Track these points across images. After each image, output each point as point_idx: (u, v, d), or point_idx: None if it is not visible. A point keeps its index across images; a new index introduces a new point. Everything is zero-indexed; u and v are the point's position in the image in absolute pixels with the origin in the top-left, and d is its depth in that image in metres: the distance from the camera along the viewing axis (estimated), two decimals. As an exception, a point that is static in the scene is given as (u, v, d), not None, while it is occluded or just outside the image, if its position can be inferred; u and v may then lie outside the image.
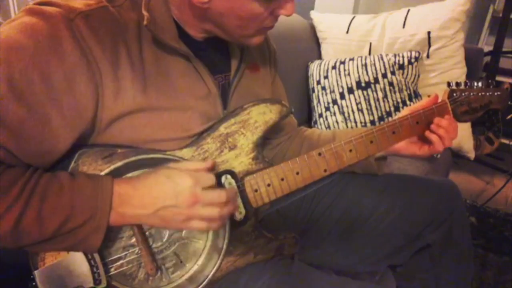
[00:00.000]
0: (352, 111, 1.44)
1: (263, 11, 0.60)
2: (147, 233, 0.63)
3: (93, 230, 0.54)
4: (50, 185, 0.53)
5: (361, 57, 1.48)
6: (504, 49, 2.18)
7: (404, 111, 0.82)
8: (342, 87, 1.46)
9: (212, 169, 0.63)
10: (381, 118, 1.42)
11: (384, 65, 1.43)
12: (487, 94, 0.85)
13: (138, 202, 0.55)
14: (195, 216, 0.56)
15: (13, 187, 0.50)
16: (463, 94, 0.83)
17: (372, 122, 1.42)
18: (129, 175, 0.61)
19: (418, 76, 1.48)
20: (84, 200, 0.53)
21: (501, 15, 2.15)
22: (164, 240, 0.65)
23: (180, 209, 0.55)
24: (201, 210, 0.56)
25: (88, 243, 0.55)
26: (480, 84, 0.84)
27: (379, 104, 1.42)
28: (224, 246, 0.67)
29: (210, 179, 0.58)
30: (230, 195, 0.59)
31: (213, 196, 0.57)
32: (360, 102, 1.43)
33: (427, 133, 0.79)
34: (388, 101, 1.42)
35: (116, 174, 0.60)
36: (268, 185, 0.70)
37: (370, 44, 1.61)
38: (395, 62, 1.44)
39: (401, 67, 1.44)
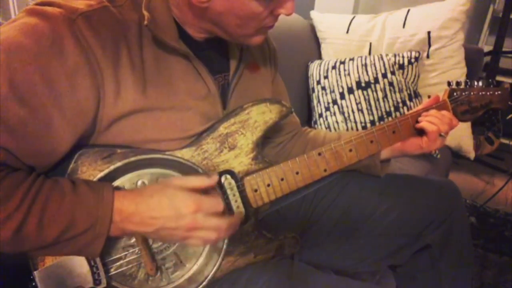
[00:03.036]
0: (352, 111, 1.44)
1: (263, 10, 0.60)
2: (147, 233, 0.63)
3: (93, 238, 0.54)
4: (51, 194, 0.53)
5: (361, 57, 1.48)
6: (504, 49, 2.18)
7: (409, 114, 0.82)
8: (342, 87, 1.46)
9: (217, 183, 0.62)
10: (381, 118, 1.42)
11: (384, 65, 1.43)
12: (488, 93, 0.85)
13: (139, 220, 0.55)
14: (193, 236, 0.57)
15: (15, 195, 0.50)
16: (463, 93, 0.84)
17: (372, 122, 1.42)
18: (129, 175, 0.61)
19: (418, 76, 1.48)
20: (85, 211, 0.53)
21: (501, 15, 2.16)
22: (164, 240, 0.65)
23: (179, 231, 0.56)
24: (200, 233, 0.57)
25: (88, 250, 0.55)
26: (480, 83, 0.85)
27: (379, 104, 1.42)
28: (224, 246, 0.67)
29: (215, 205, 0.58)
30: (233, 221, 0.59)
31: (214, 223, 0.57)
32: (360, 102, 1.43)
33: (418, 123, 0.80)
34: (388, 101, 1.42)
35: (116, 174, 0.60)
36: (268, 185, 0.70)
37: (370, 44, 1.61)
38: (395, 62, 1.44)
39: (401, 67, 1.44)
